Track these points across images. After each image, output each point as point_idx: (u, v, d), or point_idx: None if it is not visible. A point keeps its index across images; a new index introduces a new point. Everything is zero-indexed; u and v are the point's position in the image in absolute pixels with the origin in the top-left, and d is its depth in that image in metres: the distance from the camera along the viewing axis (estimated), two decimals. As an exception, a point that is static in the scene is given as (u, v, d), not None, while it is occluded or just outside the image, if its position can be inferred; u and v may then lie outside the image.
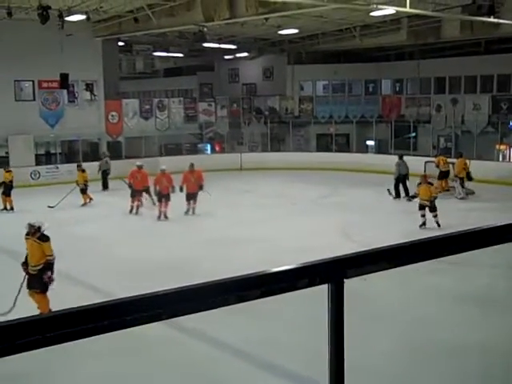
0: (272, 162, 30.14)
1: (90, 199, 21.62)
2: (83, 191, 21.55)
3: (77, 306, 1.12)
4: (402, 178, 21.25)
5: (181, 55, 38.25)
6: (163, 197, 18.32)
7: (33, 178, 26.70)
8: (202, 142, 33.33)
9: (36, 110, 27.91)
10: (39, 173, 27.10)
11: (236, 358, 8.22)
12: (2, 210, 20.23)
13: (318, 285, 1.38)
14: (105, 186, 25.01)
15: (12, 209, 20.20)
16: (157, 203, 18.48)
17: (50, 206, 19.91)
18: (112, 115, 30.25)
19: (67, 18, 22.72)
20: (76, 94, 29.12)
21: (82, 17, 23.47)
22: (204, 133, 33.37)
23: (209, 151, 33.15)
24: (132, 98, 32.82)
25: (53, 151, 29.53)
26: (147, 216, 18.55)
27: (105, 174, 25.21)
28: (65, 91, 28.17)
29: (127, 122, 30.73)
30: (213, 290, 1.26)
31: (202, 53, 36.28)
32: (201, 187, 18.90)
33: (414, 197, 17.32)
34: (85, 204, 21.38)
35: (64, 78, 26.21)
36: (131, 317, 1.16)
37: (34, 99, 28.07)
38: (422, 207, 16.49)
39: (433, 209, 16.38)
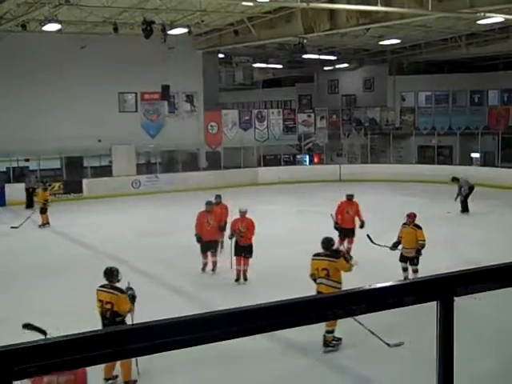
0: (372, 173, 29.50)
1: (47, 223, 19.77)
2: (42, 211, 19.87)
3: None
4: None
5: (280, 66, 38.29)
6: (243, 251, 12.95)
7: (134, 187, 27.41)
8: (301, 153, 33.12)
9: (138, 121, 28.71)
10: (140, 182, 27.80)
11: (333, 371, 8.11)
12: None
13: (425, 302, 1.38)
14: (28, 205, 23.44)
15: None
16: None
17: (13, 227, 18.96)
18: (211, 126, 30.63)
19: (170, 32, 23.24)
20: (176, 105, 29.70)
21: (184, 30, 23.91)
22: (303, 144, 33.17)
23: (307, 162, 32.89)
24: (231, 109, 33.11)
25: (153, 161, 30.25)
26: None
27: (28, 193, 24.22)
28: (166, 102, 28.83)
29: (226, 132, 31.03)
30: (320, 304, 1.31)
31: (301, 64, 36.14)
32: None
33: (396, 245, 12.35)
34: (43, 225, 19.69)
35: (165, 89, 26.79)
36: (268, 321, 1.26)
37: (137, 110, 28.89)
38: (403, 258, 12.20)
39: (414, 262, 11.94)
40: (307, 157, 32.95)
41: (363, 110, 34.47)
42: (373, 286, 1.34)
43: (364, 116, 34.24)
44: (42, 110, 25.66)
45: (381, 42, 28.21)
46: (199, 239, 13.06)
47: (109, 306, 7.60)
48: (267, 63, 37.37)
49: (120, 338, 1.22)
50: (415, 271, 11.87)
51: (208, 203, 13.63)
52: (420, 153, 32.74)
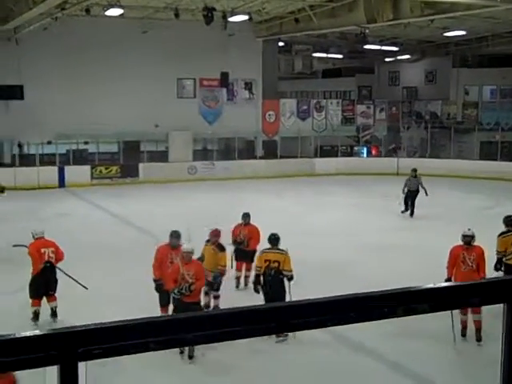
0: (431, 168, 28.73)
1: None
2: None
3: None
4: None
5: (340, 56, 37.80)
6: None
7: (190, 173, 27.52)
8: (359, 145, 32.65)
9: (196, 108, 28.77)
10: (196, 168, 27.89)
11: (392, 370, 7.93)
12: None
13: (491, 304, 1.34)
14: None
15: None
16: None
17: None
18: (269, 114, 30.49)
19: (230, 19, 23.15)
20: (235, 93, 29.64)
21: (245, 17, 23.78)
22: (361, 135, 32.71)
23: (365, 154, 32.40)
24: (289, 98, 32.89)
25: (210, 148, 30.32)
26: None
27: None
28: (224, 89, 28.80)
29: (284, 121, 30.83)
30: (380, 301, 1.26)
31: (361, 54, 35.61)
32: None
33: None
34: None
35: (224, 76, 26.77)
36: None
37: (195, 97, 28.94)
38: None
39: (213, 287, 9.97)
40: (365, 149, 32.48)
41: (424, 103, 33.74)
42: (437, 285, 1.31)
43: (425, 109, 33.51)
44: (102, 94, 25.97)
45: (445, 34, 27.48)
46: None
47: (275, 265, 8.98)
48: (327, 53, 36.92)
49: (184, 325, 1.23)
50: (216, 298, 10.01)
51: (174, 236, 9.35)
52: (482, 148, 31.80)
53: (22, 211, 17.87)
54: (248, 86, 29.87)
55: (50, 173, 25.20)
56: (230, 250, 10.88)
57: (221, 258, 9.92)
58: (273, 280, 9.03)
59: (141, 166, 27.16)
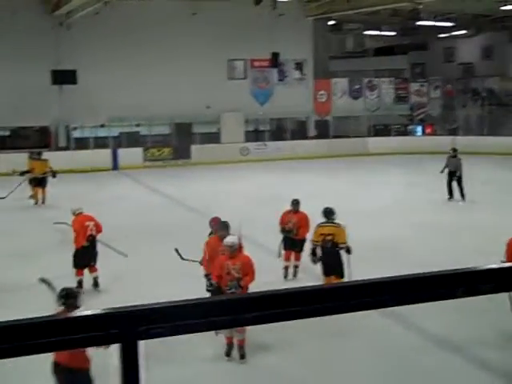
0: (488, 146, 28.07)
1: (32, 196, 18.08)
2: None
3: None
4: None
5: (392, 34, 37.08)
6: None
7: (242, 154, 27.59)
8: (413, 124, 32.10)
9: (247, 89, 28.74)
10: (248, 149, 27.94)
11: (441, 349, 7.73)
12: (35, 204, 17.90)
13: None
14: None
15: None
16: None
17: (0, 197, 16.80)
18: (321, 94, 30.24)
19: (280, -1, 22.97)
20: (286, 73, 29.48)
21: (295, -4, 23.54)
22: (415, 114, 32.14)
23: (419, 133, 31.85)
24: (341, 77, 32.55)
25: (261, 128, 30.31)
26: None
27: None
28: (275, 70, 28.66)
29: (336, 101, 30.54)
30: (421, 284, 1.23)
31: (414, 31, 34.82)
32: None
33: None
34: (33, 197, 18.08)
35: (275, 57, 26.64)
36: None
37: (246, 78, 28.92)
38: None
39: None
40: (419, 127, 31.91)
41: (481, 80, 32.84)
42: (473, 269, 1.24)
43: (481, 86, 32.62)
44: (153, 77, 26.15)
45: (502, 8, 26.59)
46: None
47: (330, 238, 9.04)
48: (379, 30, 36.27)
49: (244, 304, 1.22)
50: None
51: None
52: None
53: (77, 194, 18.22)
54: (299, 66, 29.66)
55: (103, 156, 25.66)
56: (277, 238, 10.70)
57: None
58: (330, 253, 9.13)
59: (193, 147, 27.36)
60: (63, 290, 6.31)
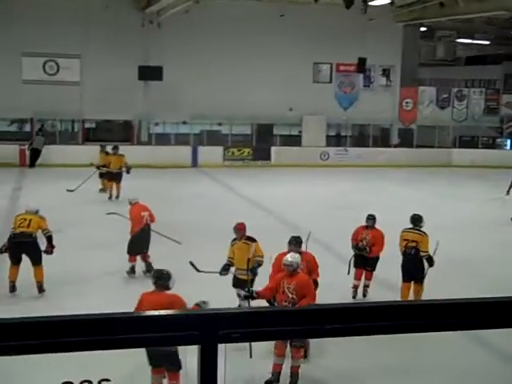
0: None
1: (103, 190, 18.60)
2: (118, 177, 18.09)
3: None
4: None
5: (486, 42, 35.97)
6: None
7: (321, 159, 27.44)
8: (502, 137, 31.04)
9: (331, 93, 28.53)
10: (328, 154, 27.75)
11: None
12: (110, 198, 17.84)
13: None
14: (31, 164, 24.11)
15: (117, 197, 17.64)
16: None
17: (69, 190, 17.32)
18: (406, 102, 29.69)
19: (371, 3, 22.68)
20: (372, 79, 29.11)
21: (386, 1, 23.18)
22: (505, 127, 31.08)
23: (508, 147, 30.76)
24: (429, 85, 31.83)
25: (343, 134, 30.05)
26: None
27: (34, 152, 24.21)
28: (361, 75, 28.34)
29: (422, 109, 29.90)
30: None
31: (510, 41, 33.67)
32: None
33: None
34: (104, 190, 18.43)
35: (362, 62, 26.31)
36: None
37: (331, 82, 28.73)
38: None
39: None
40: (508, 141, 30.82)
41: None
42: None
43: None
44: (237, 77, 26.32)
45: None
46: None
47: (414, 244, 9.17)
48: (472, 39, 35.28)
49: (328, 315, 1.23)
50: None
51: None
52: None
53: (155, 189, 18.58)
54: (386, 72, 29.22)
55: (183, 152, 26.06)
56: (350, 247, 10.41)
57: (257, 249, 8.52)
58: (412, 259, 9.15)
59: (273, 149, 27.43)
60: (156, 271, 6.88)
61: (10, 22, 24.49)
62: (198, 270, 8.89)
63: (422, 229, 9.36)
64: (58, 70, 25.75)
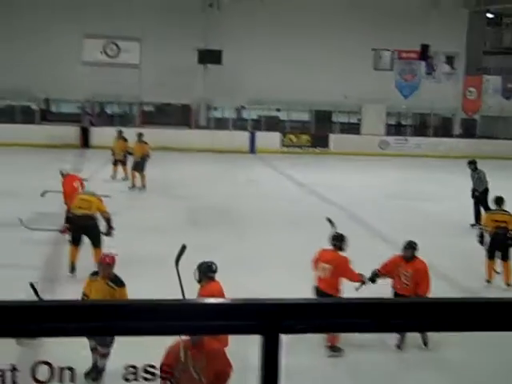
0: None
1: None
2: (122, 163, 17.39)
3: None
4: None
5: (557, 31, 34.63)
6: None
7: (381, 148, 27.04)
8: None
9: (392, 80, 28.02)
10: (388, 142, 27.34)
11: None
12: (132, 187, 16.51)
13: None
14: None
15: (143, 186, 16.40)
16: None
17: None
18: (470, 91, 28.95)
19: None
20: (434, 67, 28.46)
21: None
22: None
23: None
24: (494, 74, 30.93)
25: (403, 122, 29.53)
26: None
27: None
28: (423, 63, 27.74)
29: (486, 99, 29.09)
30: None
31: None
32: None
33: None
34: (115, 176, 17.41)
35: (424, 49, 25.78)
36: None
37: (391, 69, 28.22)
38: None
39: None
40: None
41: None
42: None
43: None
44: (297, 63, 26.21)
45: None
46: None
47: (504, 225, 9.70)
48: (542, 26, 34.01)
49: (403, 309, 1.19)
50: None
51: None
52: None
53: (212, 174, 18.60)
54: (449, 59, 28.52)
55: (241, 137, 26.12)
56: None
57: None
58: (503, 239, 9.65)
59: (331, 136, 27.20)
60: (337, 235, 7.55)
61: (72, 3, 24.93)
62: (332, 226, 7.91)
63: (506, 209, 10.00)
64: (118, 53, 26.06)
